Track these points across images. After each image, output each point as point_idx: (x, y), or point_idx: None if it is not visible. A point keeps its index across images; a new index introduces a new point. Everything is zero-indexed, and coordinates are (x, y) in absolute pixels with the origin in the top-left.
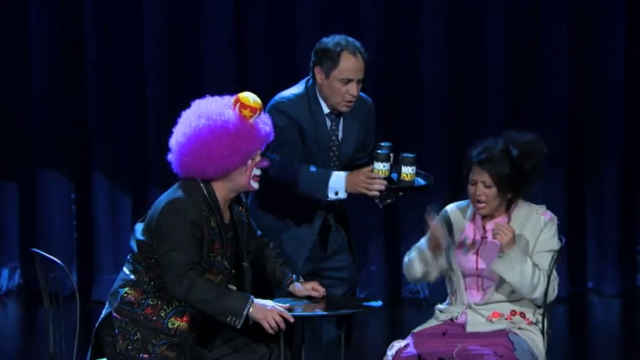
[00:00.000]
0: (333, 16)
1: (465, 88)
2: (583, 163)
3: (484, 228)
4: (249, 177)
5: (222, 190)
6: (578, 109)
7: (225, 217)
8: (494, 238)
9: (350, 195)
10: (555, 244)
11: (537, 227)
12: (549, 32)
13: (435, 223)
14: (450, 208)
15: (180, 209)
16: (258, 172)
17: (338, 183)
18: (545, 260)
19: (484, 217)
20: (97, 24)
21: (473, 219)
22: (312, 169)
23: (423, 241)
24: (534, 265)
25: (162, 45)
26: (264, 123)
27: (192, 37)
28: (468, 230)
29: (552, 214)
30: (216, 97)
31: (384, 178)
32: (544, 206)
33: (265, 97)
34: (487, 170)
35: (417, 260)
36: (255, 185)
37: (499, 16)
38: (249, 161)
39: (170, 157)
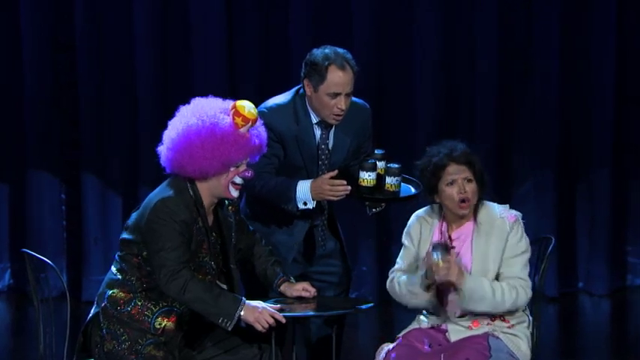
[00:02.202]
0: (327, 17)
1: (456, 90)
2: (573, 163)
3: (450, 238)
4: (227, 184)
5: (206, 193)
6: (570, 111)
7: (209, 219)
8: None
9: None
10: (524, 246)
11: (503, 232)
12: (541, 34)
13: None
14: (419, 214)
15: (172, 208)
16: (239, 180)
17: (304, 193)
18: (517, 265)
19: (449, 226)
20: (87, 24)
21: (439, 228)
22: (278, 180)
23: (412, 277)
24: (492, 282)
25: (153, 45)
26: (257, 135)
27: (183, 38)
28: (435, 240)
29: (517, 214)
30: (218, 99)
31: (371, 187)
32: (507, 206)
33: (257, 100)
34: (465, 164)
35: (418, 298)
36: (235, 193)
37: (490, 18)
38: (232, 169)
39: (159, 148)
